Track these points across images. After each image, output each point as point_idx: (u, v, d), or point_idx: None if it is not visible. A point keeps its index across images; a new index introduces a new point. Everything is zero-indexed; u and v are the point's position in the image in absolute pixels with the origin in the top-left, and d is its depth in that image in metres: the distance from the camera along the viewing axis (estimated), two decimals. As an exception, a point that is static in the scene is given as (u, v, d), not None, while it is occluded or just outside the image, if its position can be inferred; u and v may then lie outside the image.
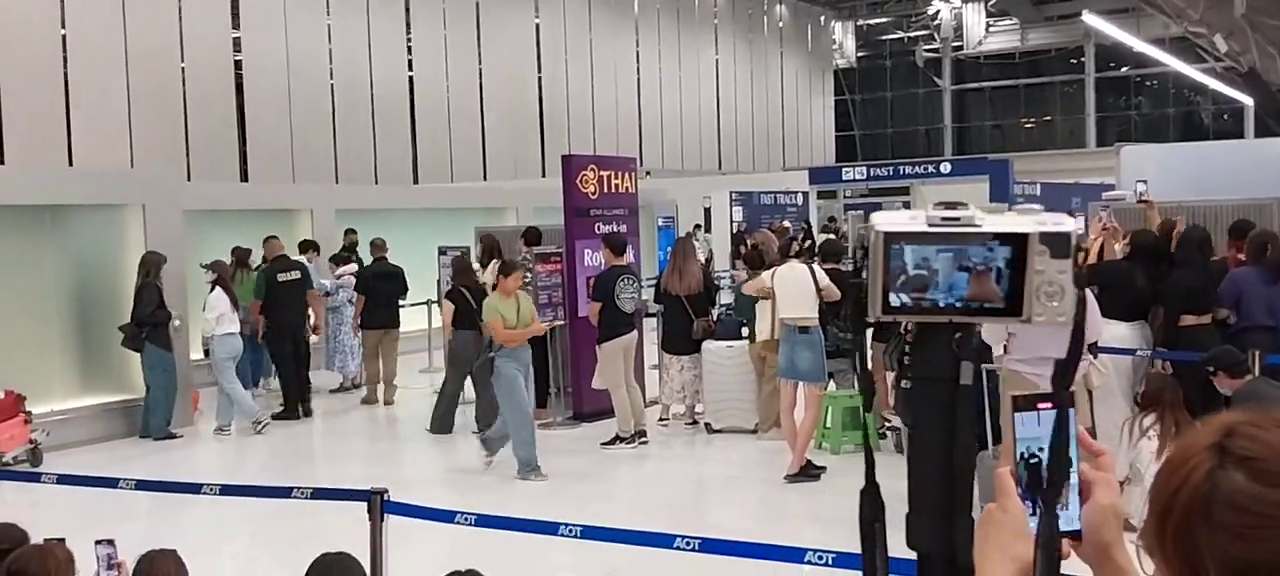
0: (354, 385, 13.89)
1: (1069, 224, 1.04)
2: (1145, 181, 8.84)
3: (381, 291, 13.10)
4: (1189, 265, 8.44)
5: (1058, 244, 1.03)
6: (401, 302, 13.57)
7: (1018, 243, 1.02)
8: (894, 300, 1.05)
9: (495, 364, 9.17)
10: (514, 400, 9.17)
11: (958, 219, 1.03)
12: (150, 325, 10.97)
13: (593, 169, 11.66)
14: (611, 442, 10.20)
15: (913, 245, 1.03)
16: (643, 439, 10.24)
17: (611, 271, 10.36)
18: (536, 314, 9.78)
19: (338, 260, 14.28)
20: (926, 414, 1.08)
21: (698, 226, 26.53)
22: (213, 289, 11.48)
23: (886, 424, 9.72)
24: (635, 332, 10.53)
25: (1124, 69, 46.95)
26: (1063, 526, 1.16)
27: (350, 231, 15.34)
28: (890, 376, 9.37)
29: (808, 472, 8.76)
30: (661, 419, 11.12)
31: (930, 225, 1.03)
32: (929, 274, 1.03)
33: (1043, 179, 33.60)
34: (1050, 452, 1.07)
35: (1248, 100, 30.80)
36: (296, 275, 12.62)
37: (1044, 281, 1.03)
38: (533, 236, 11.72)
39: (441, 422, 11.19)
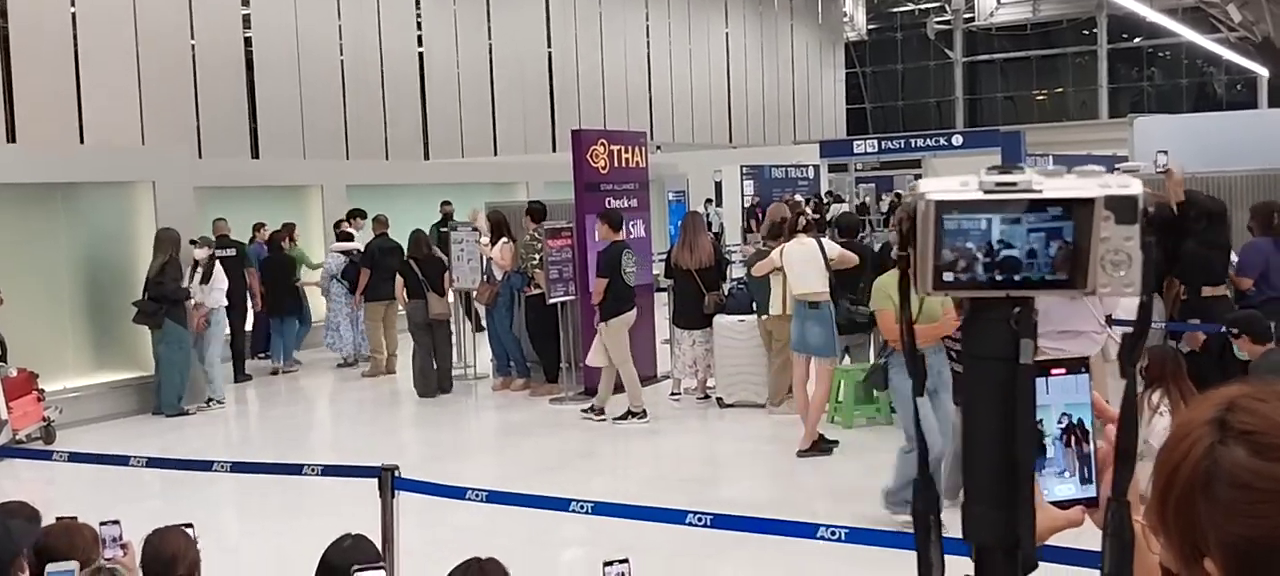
0: (354, 360, 13.99)
1: (1135, 186, 0.97)
2: (1166, 151, 8.73)
3: (385, 265, 13.22)
4: (1202, 235, 8.38)
5: (1124, 208, 0.96)
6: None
7: (1080, 208, 0.96)
8: (946, 275, 0.99)
9: (887, 372, 6.86)
10: (908, 423, 6.99)
11: (1014, 184, 0.96)
12: (171, 302, 11.03)
13: (603, 143, 11.61)
14: (623, 417, 10.20)
15: (967, 214, 0.97)
16: (645, 417, 10.23)
17: (614, 246, 10.32)
18: (949, 306, 6.34)
19: (341, 238, 14.38)
20: (982, 396, 1.01)
21: (709, 201, 26.49)
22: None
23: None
24: (635, 309, 10.50)
25: (1136, 40, 46.67)
26: (1077, 494, 1.13)
27: (446, 203, 16.42)
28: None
29: (819, 447, 8.74)
30: (673, 393, 11.11)
31: (985, 192, 0.97)
32: (983, 245, 0.97)
33: (1055, 151, 33.47)
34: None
35: (1261, 70, 30.55)
36: (232, 252, 12.95)
37: (1109, 249, 0.96)
38: (538, 211, 11.69)
39: (424, 387, 11.96)
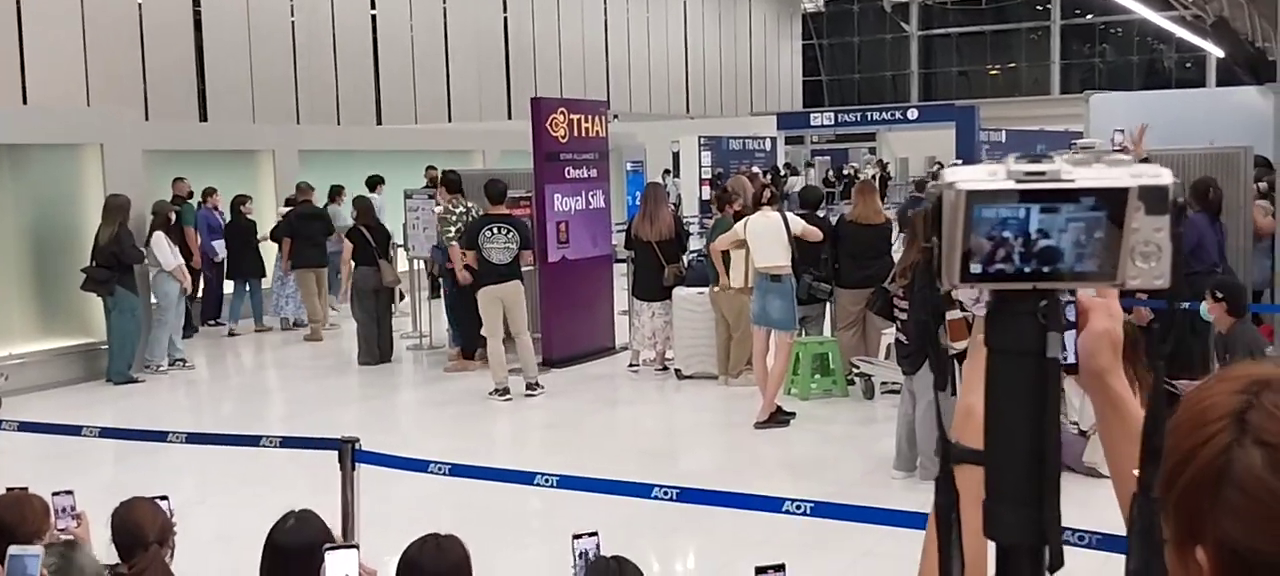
0: (295, 325, 14.01)
1: (1166, 177, 0.95)
2: (1123, 129, 8.83)
3: (305, 232, 13.20)
4: None
5: (1155, 198, 0.94)
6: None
7: (1112, 199, 0.94)
8: (974, 267, 0.95)
9: None
10: None
11: (1043, 173, 0.94)
12: (124, 269, 10.86)
13: (563, 112, 11.49)
14: (492, 393, 9.98)
15: (997, 205, 0.94)
16: (506, 396, 9.95)
17: (479, 220, 10.17)
18: None
19: (287, 204, 14.27)
20: (1007, 392, 0.99)
21: (667, 171, 26.45)
22: (153, 232, 11.56)
23: (854, 370, 9.74)
24: (513, 284, 9.97)
25: (1089, 16, 47.09)
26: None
27: (431, 168, 15.78)
28: (887, 330, 9.36)
29: (777, 419, 8.76)
30: (632, 365, 11.08)
31: (1016, 181, 0.94)
32: (1018, 237, 0.94)
33: (1008, 126, 33.75)
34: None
35: (1212, 49, 30.90)
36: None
37: (1139, 240, 0.94)
38: (454, 182, 11.24)
39: (367, 355, 11.84)
